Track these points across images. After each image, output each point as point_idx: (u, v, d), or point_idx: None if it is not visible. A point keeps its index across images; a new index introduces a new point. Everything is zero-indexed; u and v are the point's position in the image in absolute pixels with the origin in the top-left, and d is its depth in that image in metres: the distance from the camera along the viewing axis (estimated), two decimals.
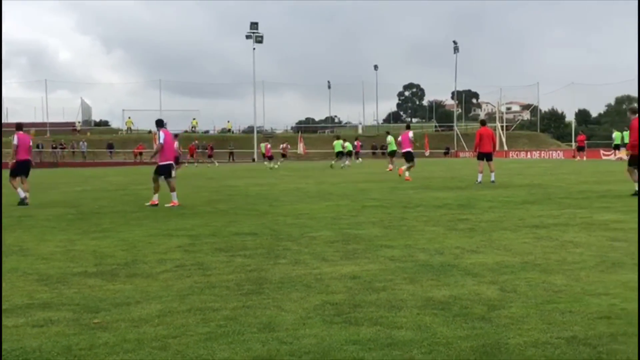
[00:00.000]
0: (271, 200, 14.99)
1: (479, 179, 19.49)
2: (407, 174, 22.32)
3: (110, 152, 68.57)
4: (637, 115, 13.86)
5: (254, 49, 71.80)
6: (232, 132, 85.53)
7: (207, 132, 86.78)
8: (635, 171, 14.05)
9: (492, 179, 19.73)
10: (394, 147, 32.42)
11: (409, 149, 23.09)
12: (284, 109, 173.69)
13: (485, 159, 20.18)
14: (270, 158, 43.47)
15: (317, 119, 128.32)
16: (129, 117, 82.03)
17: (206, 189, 20.13)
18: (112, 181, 26.59)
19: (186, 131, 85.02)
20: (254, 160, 65.37)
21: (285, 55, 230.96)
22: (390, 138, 34.75)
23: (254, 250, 7.59)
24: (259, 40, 71.80)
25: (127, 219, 11.44)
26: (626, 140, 44.74)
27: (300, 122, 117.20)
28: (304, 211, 12.10)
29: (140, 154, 64.43)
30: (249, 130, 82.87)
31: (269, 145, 44.53)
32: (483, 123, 22.15)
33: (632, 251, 6.94)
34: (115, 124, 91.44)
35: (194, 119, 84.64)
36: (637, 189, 13.83)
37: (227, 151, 67.72)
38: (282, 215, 11.49)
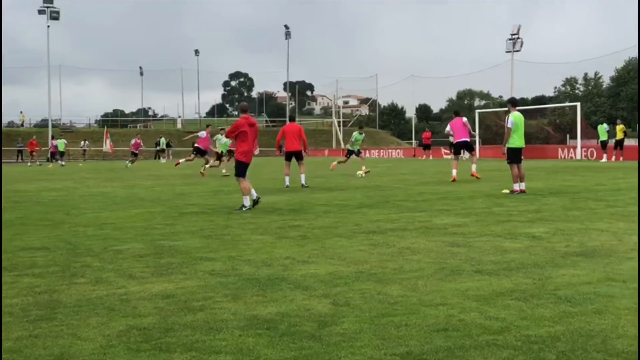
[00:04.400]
0: (69, 207, 14.41)
1: (287, 183, 19.62)
2: (474, 167, 21.27)
3: None
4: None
5: (48, 26, 68.94)
6: (22, 126, 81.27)
7: None
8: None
9: (303, 182, 19.76)
10: (357, 147, 28.21)
11: (466, 138, 21.18)
12: (87, 99, 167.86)
13: (295, 159, 19.83)
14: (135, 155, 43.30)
15: (127, 112, 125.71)
16: None
17: None
18: None
19: None
20: (48, 159, 62.44)
21: (89, 35, 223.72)
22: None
23: (45, 268, 7.26)
24: (55, 16, 69.04)
25: None
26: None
27: (107, 115, 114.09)
28: (108, 220, 11.75)
29: None
30: (43, 124, 79.14)
31: (138, 141, 44.23)
32: (291, 119, 22.10)
33: (472, 257, 7.44)
34: None
35: None
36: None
37: (15, 149, 64.22)
38: (82, 225, 11.09)
